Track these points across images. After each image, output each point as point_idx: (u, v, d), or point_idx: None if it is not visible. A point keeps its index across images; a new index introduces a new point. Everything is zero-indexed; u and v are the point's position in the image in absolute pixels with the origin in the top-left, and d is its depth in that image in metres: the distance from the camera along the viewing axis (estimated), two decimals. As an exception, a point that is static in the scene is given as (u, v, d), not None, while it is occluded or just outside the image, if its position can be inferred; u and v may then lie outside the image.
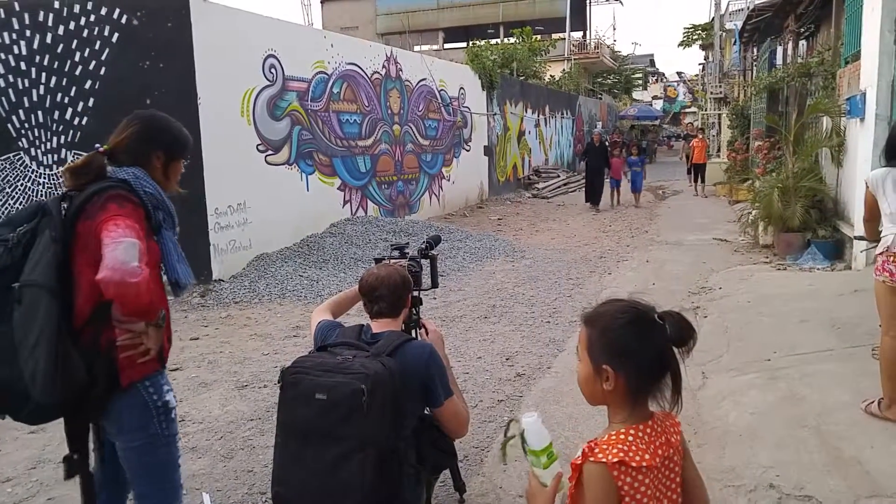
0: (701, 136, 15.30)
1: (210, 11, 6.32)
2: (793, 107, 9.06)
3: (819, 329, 4.06)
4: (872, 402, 2.83)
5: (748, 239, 7.77)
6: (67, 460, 1.69)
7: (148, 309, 1.59)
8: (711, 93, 19.91)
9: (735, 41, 18.30)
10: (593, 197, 11.96)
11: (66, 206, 1.65)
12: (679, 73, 39.69)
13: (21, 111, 6.07)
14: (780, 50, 12.33)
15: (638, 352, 1.09)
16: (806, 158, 7.15)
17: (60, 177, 1.57)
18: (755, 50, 15.68)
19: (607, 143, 12.81)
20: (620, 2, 28.50)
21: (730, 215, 10.09)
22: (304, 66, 7.68)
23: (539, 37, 21.25)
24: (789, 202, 6.61)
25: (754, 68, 15.38)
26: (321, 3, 27.54)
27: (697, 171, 14.05)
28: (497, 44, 19.49)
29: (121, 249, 1.50)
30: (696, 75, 32.54)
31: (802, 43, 11.14)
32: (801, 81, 8.83)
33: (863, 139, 5.52)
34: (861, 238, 3.28)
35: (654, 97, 38.86)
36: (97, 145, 1.73)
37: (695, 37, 25.84)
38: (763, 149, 9.70)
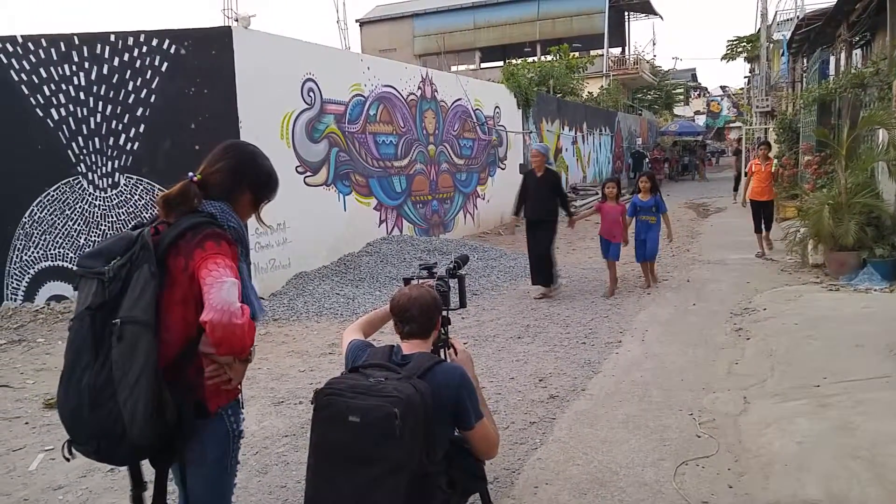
0: (763, 151, 8.52)
1: (251, 38, 6.59)
2: (845, 120, 8.68)
3: (875, 354, 3.83)
4: (933, 434, 2.65)
5: (796, 258, 7.44)
6: (152, 499, 1.67)
7: (246, 349, 1.56)
8: (757, 106, 19.27)
9: (783, 52, 17.74)
10: (540, 273, 6.31)
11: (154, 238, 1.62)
12: (723, 87, 38.69)
13: (80, 138, 6.43)
14: (831, 60, 11.86)
15: None
16: (860, 173, 6.82)
17: (154, 207, 1.56)
18: (804, 61, 15.16)
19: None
20: (660, 16, 28.12)
21: (776, 233, 9.69)
22: (342, 88, 7.90)
23: (577, 54, 21.18)
24: (842, 219, 6.29)
25: (804, 80, 14.82)
26: (360, 26, 28.33)
27: (760, 210, 8.10)
28: (534, 62, 19.54)
29: (225, 290, 1.48)
30: (741, 89, 31.65)
31: (856, 52, 10.68)
32: (855, 93, 8.47)
33: (920, 152, 5.26)
34: None
35: (697, 112, 37.94)
36: (190, 174, 1.71)
37: (739, 49, 25.19)
38: (813, 164, 9.30)
